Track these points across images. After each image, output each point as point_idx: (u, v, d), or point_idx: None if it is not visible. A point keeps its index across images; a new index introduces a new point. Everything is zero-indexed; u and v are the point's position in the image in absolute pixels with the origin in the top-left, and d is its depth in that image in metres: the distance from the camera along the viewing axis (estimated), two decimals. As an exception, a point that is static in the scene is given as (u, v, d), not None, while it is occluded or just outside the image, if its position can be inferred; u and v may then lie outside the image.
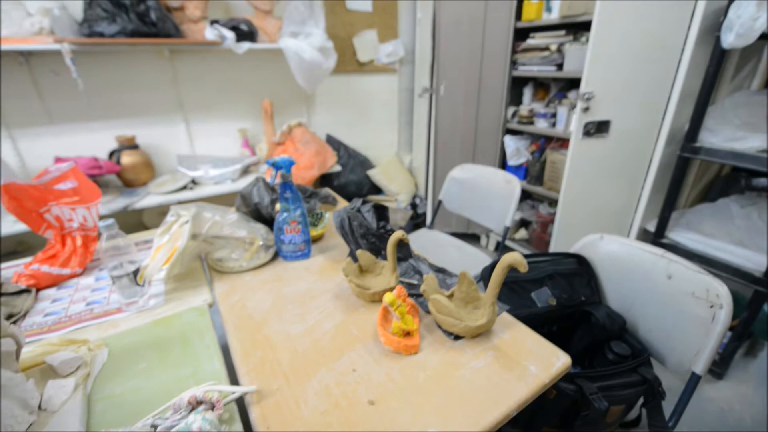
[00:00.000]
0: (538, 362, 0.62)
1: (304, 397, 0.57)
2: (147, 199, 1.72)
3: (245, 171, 2.09)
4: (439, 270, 0.88)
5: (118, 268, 0.74)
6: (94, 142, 1.80)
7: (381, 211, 0.93)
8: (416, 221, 2.48)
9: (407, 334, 0.66)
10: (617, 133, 1.62)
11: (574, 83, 1.80)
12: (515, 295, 0.89)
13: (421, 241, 1.62)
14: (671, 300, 0.82)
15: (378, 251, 0.90)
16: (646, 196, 1.59)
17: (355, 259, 0.85)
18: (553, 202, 2.08)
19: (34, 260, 0.89)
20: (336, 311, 0.76)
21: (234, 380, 0.61)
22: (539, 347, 0.65)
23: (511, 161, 2.09)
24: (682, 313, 0.80)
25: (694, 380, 0.76)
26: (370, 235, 0.89)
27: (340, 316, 0.74)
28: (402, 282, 0.83)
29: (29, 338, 0.70)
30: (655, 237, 1.57)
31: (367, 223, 0.89)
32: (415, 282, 0.83)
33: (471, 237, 2.46)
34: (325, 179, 2.34)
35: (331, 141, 2.41)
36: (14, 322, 0.75)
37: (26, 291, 0.84)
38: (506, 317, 0.73)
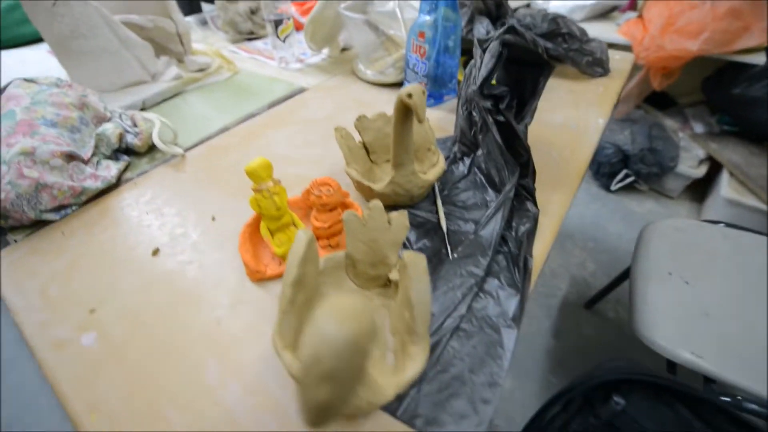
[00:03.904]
0: None
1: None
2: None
3: (603, 14, 1.45)
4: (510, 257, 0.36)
5: (275, 15, 0.75)
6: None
7: (525, 67, 0.41)
8: None
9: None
10: None
11: None
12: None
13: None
14: None
15: (470, 140, 0.46)
16: None
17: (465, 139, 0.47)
18: None
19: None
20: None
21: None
22: None
23: None
24: None
25: None
26: (473, 103, 0.44)
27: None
28: (416, 211, 0.41)
29: (241, 52, 0.91)
30: None
31: (474, 75, 0.43)
32: (443, 226, 0.39)
33: None
34: (721, 75, 1.31)
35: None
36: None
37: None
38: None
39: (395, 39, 0.68)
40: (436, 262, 0.37)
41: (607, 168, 1.54)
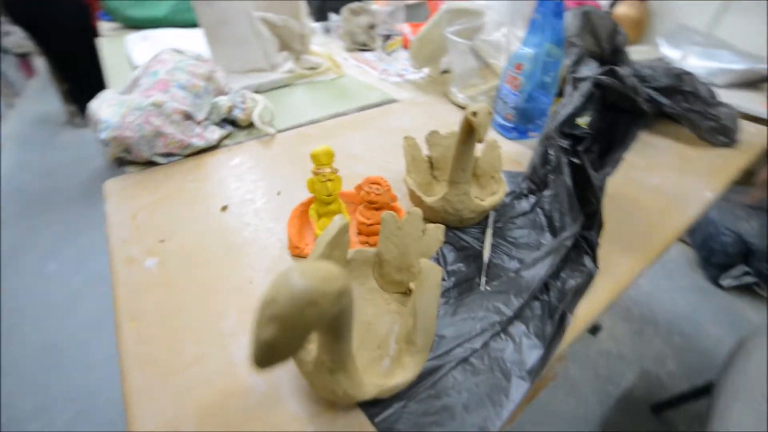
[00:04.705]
0: None
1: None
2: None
3: (750, 83, 1.25)
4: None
5: (386, 30, 0.81)
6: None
7: (621, 114, 0.37)
8: None
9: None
10: None
11: None
12: None
13: None
14: None
15: (541, 178, 0.43)
16: None
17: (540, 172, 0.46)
18: None
19: None
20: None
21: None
22: None
23: None
24: None
25: None
26: (549, 139, 0.41)
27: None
28: (467, 241, 0.40)
29: (351, 60, 0.99)
30: None
31: (563, 113, 0.40)
32: (485, 256, 0.37)
33: None
34: None
35: None
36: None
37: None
38: None
39: (494, 68, 0.68)
40: (465, 288, 0.35)
41: (722, 258, 1.30)
